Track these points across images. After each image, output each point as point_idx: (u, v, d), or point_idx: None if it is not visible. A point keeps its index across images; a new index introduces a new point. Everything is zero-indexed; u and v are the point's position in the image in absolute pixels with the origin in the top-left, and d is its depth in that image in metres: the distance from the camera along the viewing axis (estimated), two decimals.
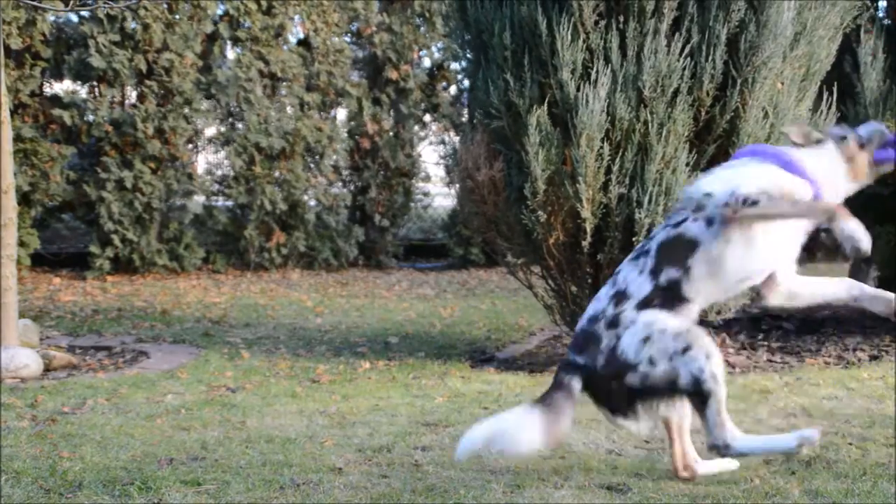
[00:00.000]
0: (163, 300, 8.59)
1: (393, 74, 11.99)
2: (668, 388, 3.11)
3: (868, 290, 3.32)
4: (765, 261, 3.24)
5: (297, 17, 11.39)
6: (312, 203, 11.65)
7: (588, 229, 5.23)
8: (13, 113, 9.32)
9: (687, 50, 5.14)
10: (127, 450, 3.76)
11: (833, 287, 3.37)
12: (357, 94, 11.79)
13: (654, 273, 3.18)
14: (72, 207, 10.61)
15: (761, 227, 3.16)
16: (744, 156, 3.42)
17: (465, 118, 11.43)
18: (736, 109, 5.18)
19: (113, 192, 10.10)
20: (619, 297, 3.21)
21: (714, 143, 5.26)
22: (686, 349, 3.09)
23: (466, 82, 10.46)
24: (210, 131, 11.19)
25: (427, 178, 12.92)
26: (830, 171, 3.33)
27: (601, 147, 5.14)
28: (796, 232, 3.28)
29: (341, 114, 12.17)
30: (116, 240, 10.15)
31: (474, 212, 5.70)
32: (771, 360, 5.67)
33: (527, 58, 5.29)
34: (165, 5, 10.25)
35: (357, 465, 3.58)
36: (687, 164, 5.17)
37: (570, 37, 5.14)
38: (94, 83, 10.42)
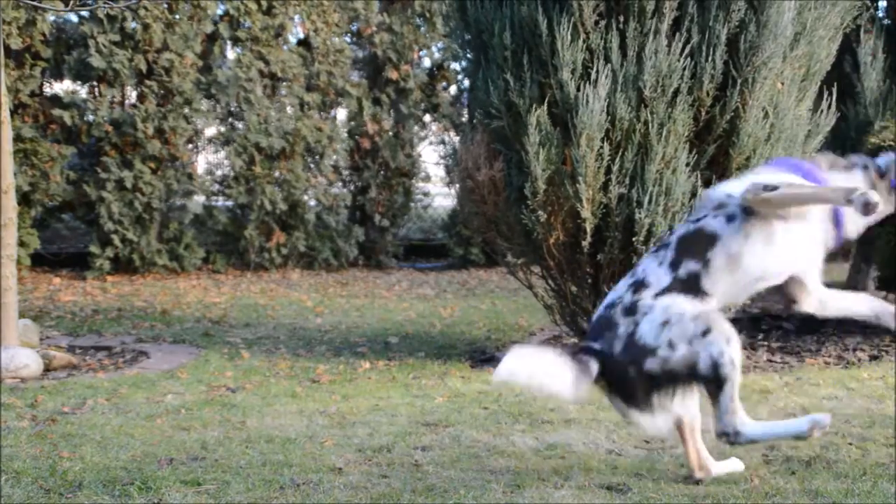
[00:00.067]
0: (163, 300, 8.59)
1: (393, 74, 11.99)
2: (687, 374, 3.07)
3: (890, 308, 3.33)
4: (784, 261, 3.23)
5: (297, 17, 11.39)
6: (312, 203, 11.64)
7: (588, 229, 5.23)
8: (13, 113, 9.32)
9: (687, 50, 5.14)
10: (127, 450, 3.76)
11: (857, 304, 3.38)
12: (357, 94, 11.79)
13: (674, 265, 3.19)
14: (72, 207, 10.61)
15: (781, 225, 3.16)
16: (766, 168, 3.44)
17: (465, 118, 11.42)
18: (736, 109, 5.18)
19: (113, 192, 10.10)
20: (638, 286, 3.21)
21: (714, 143, 5.26)
22: (706, 332, 3.08)
23: (466, 82, 10.45)
24: (210, 131, 11.18)
25: (427, 178, 12.91)
26: None
27: (601, 147, 5.14)
28: (816, 238, 3.27)
29: (341, 114, 12.16)
30: (116, 240, 10.15)
31: (474, 212, 5.70)
32: (771, 360, 5.67)
33: (527, 58, 5.29)
34: (165, 5, 10.24)
35: (357, 465, 3.58)
36: (687, 164, 5.18)
37: (570, 37, 5.14)
38: (94, 83, 10.42)
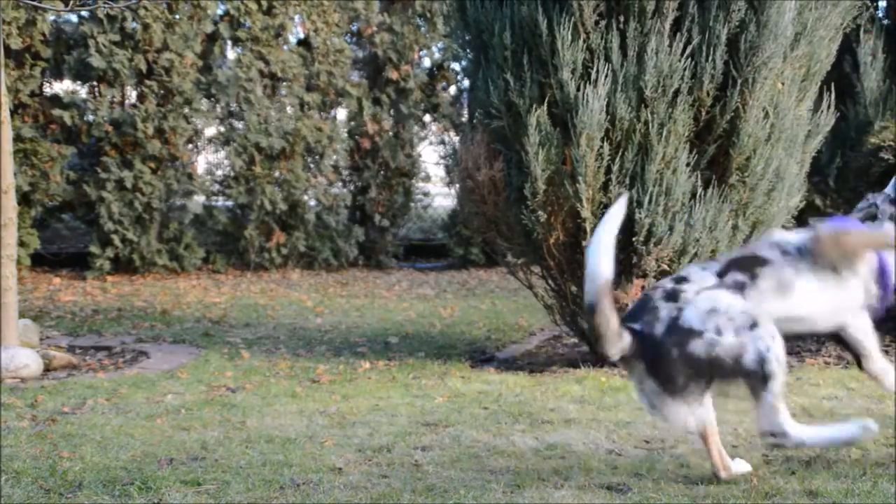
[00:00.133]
0: (163, 300, 8.59)
1: (393, 74, 11.99)
2: (733, 365, 3.01)
3: None
4: (830, 308, 3.24)
5: (297, 17, 11.39)
6: (312, 203, 11.64)
7: (588, 229, 5.22)
8: (13, 113, 9.32)
9: (688, 50, 5.14)
10: (127, 450, 3.76)
11: None
12: (357, 94, 11.79)
13: (720, 274, 3.18)
14: (72, 207, 10.61)
15: (834, 272, 3.17)
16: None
17: (465, 118, 11.42)
18: (736, 109, 5.18)
19: (113, 192, 10.10)
20: (679, 280, 3.20)
21: (714, 143, 5.26)
22: (753, 325, 3.06)
23: (466, 82, 10.44)
24: (210, 131, 11.19)
25: (427, 178, 12.91)
26: None
27: (601, 147, 5.14)
28: (861, 295, 3.26)
29: (341, 114, 12.17)
30: (116, 240, 10.15)
31: (474, 212, 5.70)
32: None
33: (527, 58, 5.29)
34: (165, 5, 10.24)
35: (357, 465, 3.58)
36: (687, 164, 5.18)
37: (570, 37, 5.14)
38: (94, 83, 10.42)
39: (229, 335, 6.79)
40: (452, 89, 12.91)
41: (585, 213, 5.18)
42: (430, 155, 13.24)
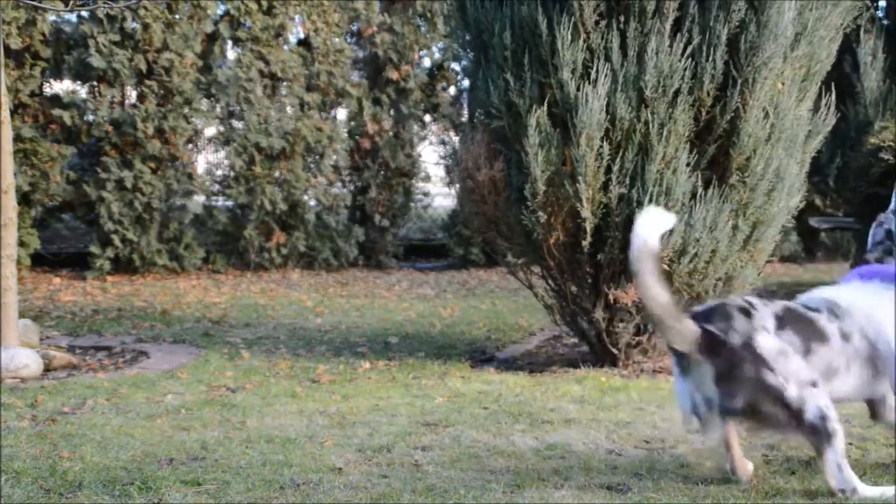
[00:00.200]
0: (163, 300, 8.59)
1: (393, 74, 11.99)
2: (794, 415, 3.03)
3: None
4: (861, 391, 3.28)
5: (297, 17, 11.39)
6: (312, 203, 11.64)
7: (588, 229, 5.23)
8: (13, 113, 9.32)
9: (688, 50, 5.14)
10: (127, 450, 3.76)
11: None
12: (357, 94, 11.79)
13: (779, 322, 3.17)
14: (72, 207, 10.60)
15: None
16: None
17: (465, 118, 11.41)
18: (736, 110, 5.18)
19: (113, 192, 10.10)
20: (749, 304, 3.20)
21: (714, 143, 5.26)
22: (814, 384, 3.07)
23: (466, 82, 10.43)
24: (210, 131, 11.18)
25: (427, 178, 12.91)
26: None
27: (601, 147, 5.14)
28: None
29: (341, 114, 12.16)
30: (116, 240, 10.15)
31: (474, 212, 5.70)
32: None
33: (527, 57, 5.29)
34: (165, 5, 10.24)
35: (357, 465, 3.58)
36: (687, 164, 5.18)
37: (570, 36, 5.14)
38: (94, 83, 10.41)
39: (229, 335, 6.79)
40: (452, 89, 12.91)
41: (585, 213, 5.18)
42: (430, 155, 13.24)
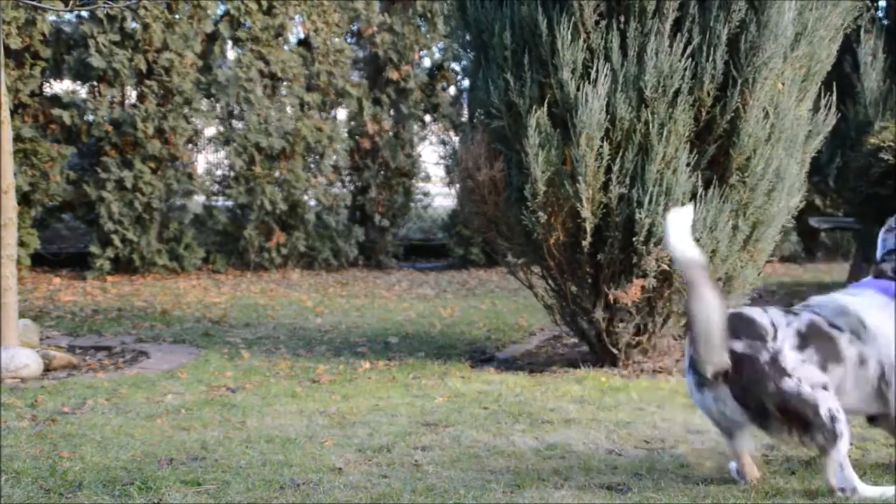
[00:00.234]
0: (163, 300, 8.59)
1: (394, 75, 11.99)
2: (812, 413, 3.07)
3: None
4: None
5: (297, 17, 11.39)
6: (312, 203, 11.64)
7: (588, 229, 5.23)
8: (13, 113, 9.32)
9: (688, 50, 5.14)
10: (127, 450, 3.76)
11: None
12: (357, 94, 11.79)
13: (801, 339, 3.19)
14: (72, 207, 10.61)
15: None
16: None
17: (465, 118, 11.41)
18: (736, 110, 5.18)
19: (113, 192, 10.10)
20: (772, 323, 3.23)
21: (714, 143, 5.26)
22: (825, 387, 3.11)
23: (466, 82, 10.42)
24: (210, 131, 11.18)
25: (427, 178, 12.91)
26: None
27: (601, 146, 5.14)
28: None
29: (341, 114, 12.16)
30: (116, 240, 10.15)
31: (474, 212, 5.70)
32: None
33: (527, 57, 5.29)
34: (165, 5, 10.24)
35: (357, 465, 3.58)
36: (687, 164, 5.18)
37: (570, 36, 5.14)
38: (94, 83, 10.41)
39: (229, 335, 6.79)
40: (452, 89, 12.91)
41: (585, 213, 5.18)
42: (430, 155, 13.24)
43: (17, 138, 9.18)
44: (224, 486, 3.31)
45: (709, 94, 5.19)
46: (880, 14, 7.69)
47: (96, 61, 9.94)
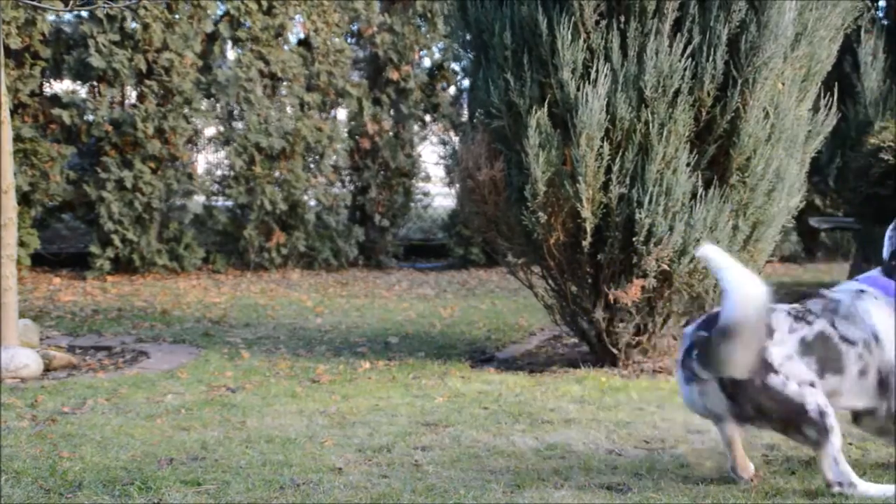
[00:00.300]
0: (163, 300, 8.59)
1: (394, 75, 11.98)
2: (798, 409, 3.08)
3: None
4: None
5: (297, 17, 11.39)
6: (312, 203, 11.64)
7: (588, 229, 5.23)
8: (13, 113, 9.31)
9: (688, 50, 5.14)
10: (127, 450, 3.76)
11: None
12: (357, 95, 11.79)
13: (805, 345, 3.20)
14: (72, 207, 10.60)
15: None
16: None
17: (465, 118, 11.41)
18: (737, 110, 5.18)
19: (113, 192, 10.10)
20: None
21: (715, 143, 5.26)
22: (812, 384, 3.12)
23: (466, 82, 10.42)
24: (210, 131, 11.18)
25: (427, 178, 12.91)
26: None
27: (601, 147, 5.14)
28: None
29: (341, 114, 12.16)
30: (116, 240, 10.15)
31: (475, 212, 5.70)
32: None
33: (527, 57, 5.29)
34: (165, 5, 10.24)
35: (357, 465, 3.58)
36: (687, 164, 5.17)
37: (570, 36, 5.14)
38: (94, 83, 10.41)
39: (229, 335, 6.79)
40: (452, 89, 12.91)
41: (585, 213, 5.18)
42: (430, 155, 13.24)
43: (17, 138, 9.18)
44: (224, 486, 3.31)
45: (709, 94, 5.19)
46: (880, 14, 7.69)
47: (96, 61, 9.94)
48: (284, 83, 11.25)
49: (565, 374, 5.36)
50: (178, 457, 3.67)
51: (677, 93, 5.15)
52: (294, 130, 11.04)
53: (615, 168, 5.16)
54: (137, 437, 3.97)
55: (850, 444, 3.80)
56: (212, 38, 10.79)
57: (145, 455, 3.69)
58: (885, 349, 3.24)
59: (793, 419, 3.10)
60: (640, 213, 5.12)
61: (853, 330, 3.25)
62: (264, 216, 11.00)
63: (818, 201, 10.62)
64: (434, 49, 12.53)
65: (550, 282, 5.73)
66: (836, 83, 5.63)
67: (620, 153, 5.18)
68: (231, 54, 11.24)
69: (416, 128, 12.61)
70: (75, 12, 9.71)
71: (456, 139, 12.05)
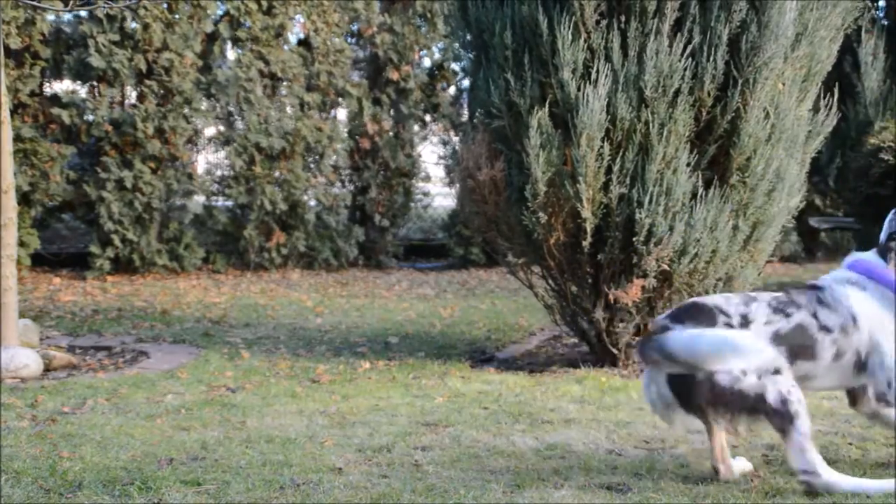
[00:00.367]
0: (163, 300, 8.59)
1: (394, 75, 11.99)
2: (755, 401, 3.07)
3: None
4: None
5: (297, 17, 11.39)
6: (312, 203, 11.64)
7: (588, 229, 5.22)
8: (13, 113, 9.32)
9: (688, 50, 5.14)
10: (127, 450, 3.76)
11: None
12: (357, 95, 11.79)
13: (777, 337, 3.23)
14: (72, 207, 10.61)
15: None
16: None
17: (465, 118, 11.41)
18: (737, 110, 5.18)
19: (113, 192, 10.10)
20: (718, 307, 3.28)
21: (715, 143, 5.26)
22: (777, 372, 3.11)
23: (466, 82, 10.41)
24: (210, 131, 11.18)
25: (427, 178, 12.91)
26: None
27: (601, 147, 5.14)
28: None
29: (341, 114, 12.16)
30: (116, 240, 10.15)
31: (475, 211, 5.70)
32: None
33: (527, 57, 5.29)
34: (165, 5, 10.24)
35: (357, 465, 3.58)
36: (688, 165, 5.17)
37: (570, 36, 5.14)
38: (94, 83, 10.42)
39: (229, 335, 6.79)
40: (452, 89, 12.91)
41: (586, 213, 5.18)
42: (430, 155, 13.24)
43: (17, 138, 9.19)
44: (224, 486, 3.31)
45: (709, 94, 5.19)
46: (880, 14, 7.69)
47: (96, 61, 9.94)
48: (284, 83, 11.25)
49: (565, 374, 5.36)
50: (178, 457, 3.66)
51: (677, 93, 5.15)
52: (294, 130, 11.04)
53: (615, 168, 5.16)
54: (137, 437, 3.97)
55: (850, 444, 3.80)
56: (212, 38, 10.79)
57: (145, 455, 3.69)
58: (862, 330, 3.26)
59: (752, 411, 3.10)
60: (640, 213, 5.12)
61: (833, 317, 3.28)
62: (264, 216, 11.00)
63: (818, 201, 10.63)
64: (434, 49, 12.53)
65: (550, 282, 5.73)
66: (837, 83, 5.64)
67: (621, 153, 5.18)
68: (231, 54, 11.24)
69: (416, 128, 12.61)
70: (75, 12, 9.71)
71: (456, 139, 12.06)
